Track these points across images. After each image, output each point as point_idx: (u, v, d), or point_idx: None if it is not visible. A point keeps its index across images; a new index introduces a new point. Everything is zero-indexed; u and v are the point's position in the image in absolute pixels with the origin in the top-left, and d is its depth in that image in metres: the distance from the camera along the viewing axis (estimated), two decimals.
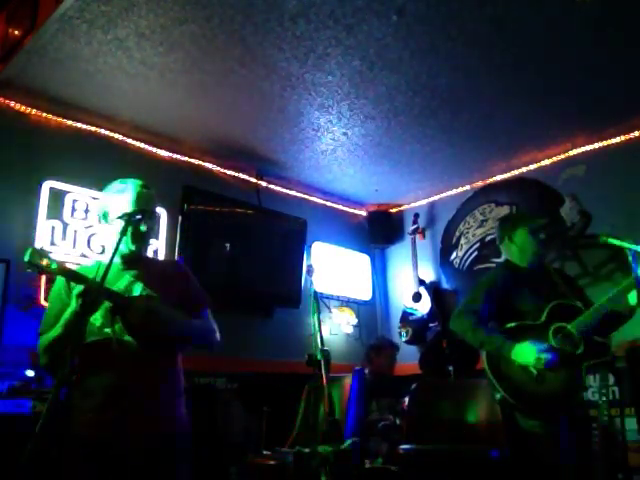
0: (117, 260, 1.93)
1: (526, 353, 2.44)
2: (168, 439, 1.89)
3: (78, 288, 1.71)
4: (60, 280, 1.92)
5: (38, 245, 3.33)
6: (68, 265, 1.84)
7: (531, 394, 2.47)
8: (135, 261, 1.97)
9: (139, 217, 1.85)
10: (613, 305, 2.52)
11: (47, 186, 3.53)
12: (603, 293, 2.69)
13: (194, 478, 2.00)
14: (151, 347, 1.86)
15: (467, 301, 2.71)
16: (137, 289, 1.91)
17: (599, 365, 3.21)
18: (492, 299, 2.65)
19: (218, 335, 2.06)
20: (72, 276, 1.77)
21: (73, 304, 1.72)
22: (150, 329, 1.81)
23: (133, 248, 1.93)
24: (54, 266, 1.71)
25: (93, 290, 1.68)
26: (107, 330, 1.82)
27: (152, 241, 3.95)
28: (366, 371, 4.27)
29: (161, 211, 4.05)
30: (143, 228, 1.92)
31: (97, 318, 1.82)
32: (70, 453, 1.78)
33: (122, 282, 1.92)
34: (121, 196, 1.93)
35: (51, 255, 1.74)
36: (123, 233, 1.80)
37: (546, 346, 2.46)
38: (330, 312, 4.99)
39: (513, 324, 2.61)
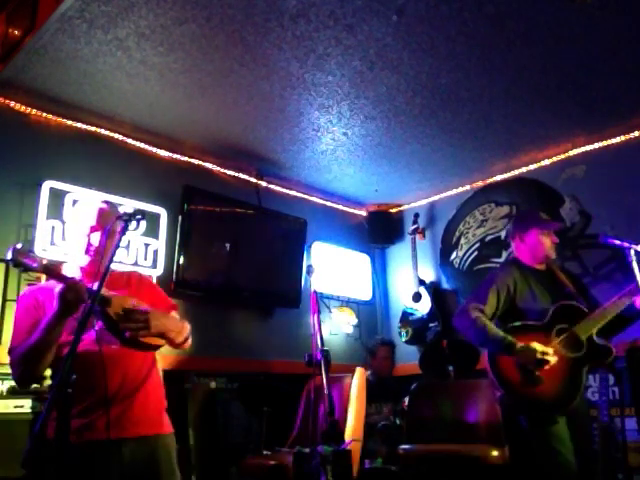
0: (78, 273, 1.94)
1: (528, 353, 2.44)
2: (157, 440, 1.89)
3: (60, 287, 1.70)
4: (26, 296, 1.92)
5: (37, 245, 3.33)
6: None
7: (532, 394, 2.47)
8: (96, 273, 1.84)
9: (140, 217, 1.83)
10: (618, 308, 2.51)
11: (47, 186, 3.51)
12: (603, 293, 2.69)
13: (194, 478, 1.99)
14: (133, 345, 1.85)
15: (472, 298, 2.70)
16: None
17: (599, 365, 3.21)
18: (497, 297, 2.64)
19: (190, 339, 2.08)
20: (54, 274, 1.76)
21: (55, 305, 1.70)
22: (132, 325, 1.79)
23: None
24: (36, 264, 1.70)
25: (75, 289, 1.68)
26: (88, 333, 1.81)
27: (150, 241, 3.96)
28: (368, 372, 4.28)
29: (161, 211, 4.05)
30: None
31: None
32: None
33: None
34: (85, 208, 1.98)
35: (46, 254, 1.74)
36: (123, 234, 1.79)
37: (549, 347, 2.46)
38: (330, 312, 4.99)
39: (517, 323, 2.60)
